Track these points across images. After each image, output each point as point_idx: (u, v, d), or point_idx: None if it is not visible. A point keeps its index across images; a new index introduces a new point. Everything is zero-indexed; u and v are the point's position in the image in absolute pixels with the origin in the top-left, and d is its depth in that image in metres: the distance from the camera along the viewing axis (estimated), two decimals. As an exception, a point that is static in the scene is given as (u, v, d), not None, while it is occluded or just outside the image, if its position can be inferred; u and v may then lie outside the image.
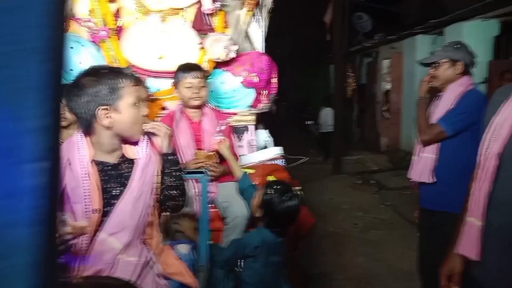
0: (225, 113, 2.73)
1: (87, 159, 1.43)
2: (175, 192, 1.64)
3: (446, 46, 2.44)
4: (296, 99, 15.46)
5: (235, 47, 2.64)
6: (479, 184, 1.37)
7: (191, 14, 2.78)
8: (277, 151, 2.83)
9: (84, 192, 1.39)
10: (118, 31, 2.92)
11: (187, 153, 2.36)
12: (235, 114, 2.81)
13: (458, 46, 2.38)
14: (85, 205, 1.38)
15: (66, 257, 1.35)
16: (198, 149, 2.39)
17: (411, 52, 7.42)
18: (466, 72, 2.33)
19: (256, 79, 2.72)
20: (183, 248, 1.73)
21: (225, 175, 2.44)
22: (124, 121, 1.45)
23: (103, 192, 1.45)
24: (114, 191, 1.47)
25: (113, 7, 2.88)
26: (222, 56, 2.61)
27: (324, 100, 10.01)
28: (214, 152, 2.33)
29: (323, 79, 15.02)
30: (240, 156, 2.80)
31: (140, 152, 1.53)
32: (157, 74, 2.71)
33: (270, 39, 3.03)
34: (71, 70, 2.68)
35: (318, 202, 5.97)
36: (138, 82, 1.50)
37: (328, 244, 4.41)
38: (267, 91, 2.83)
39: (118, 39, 2.83)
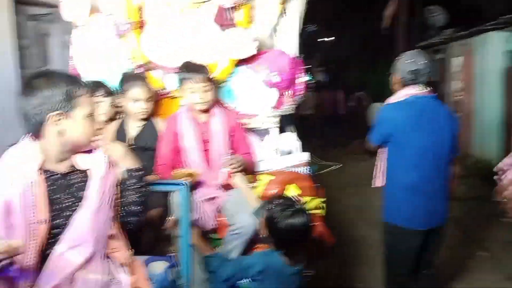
0: (243, 114, 2.54)
1: (34, 166, 1.33)
2: (137, 208, 1.55)
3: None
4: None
5: (255, 44, 2.42)
6: None
7: (214, 7, 2.60)
8: (301, 157, 2.58)
9: (31, 202, 1.29)
10: (141, 25, 2.84)
11: (192, 156, 2.22)
12: (255, 115, 2.60)
13: (398, 58, 2.47)
14: (32, 215, 1.29)
15: (12, 272, 1.24)
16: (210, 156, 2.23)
17: (483, 51, 6.66)
18: (406, 84, 2.36)
19: (277, 79, 2.48)
20: (158, 267, 1.58)
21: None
22: (76, 131, 1.38)
23: (51, 202, 1.35)
24: (64, 202, 1.38)
25: (136, 0, 2.79)
26: (240, 53, 2.41)
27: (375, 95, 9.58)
28: (191, 171, 2.13)
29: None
30: (260, 161, 2.60)
31: (94, 162, 1.45)
32: (176, 71, 2.56)
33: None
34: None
35: (370, 208, 5.57)
36: (94, 93, 1.43)
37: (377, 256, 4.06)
38: (291, 92, 2.58)
39: (140, 33, 2.73)
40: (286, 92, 2.56)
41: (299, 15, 2.84)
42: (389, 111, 2.38)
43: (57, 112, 1.31)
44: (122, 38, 2.70)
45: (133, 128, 2.41)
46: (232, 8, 2.54)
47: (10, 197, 1.27)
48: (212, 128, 2.26)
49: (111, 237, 1.43)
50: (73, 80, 1.38)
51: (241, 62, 2.57)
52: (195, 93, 2.21)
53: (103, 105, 2.40)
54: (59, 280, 1.28)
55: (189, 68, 2.25)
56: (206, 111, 2.28)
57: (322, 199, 2.43)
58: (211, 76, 2.28)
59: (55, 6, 4.77)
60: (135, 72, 2.54)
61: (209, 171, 2.25)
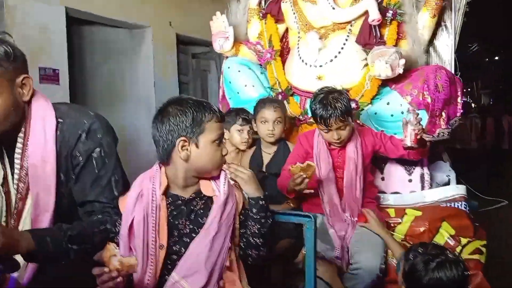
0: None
1: (159, 191, 1.35)
2: (258, 240, 1.43)
3: None
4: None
5: (402, 62, 2.19)
6: None
7: (358, 27, 2.46)
8: (456, 190, 2.21)
9: (152, 226, 1.31)
10: (286, 52, 2.86)
11: (324, 184, 2.04)
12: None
13: None
14: (152, 239, 1.30)
15: None
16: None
17: None
18: None
19: (428, 99, 2.19)
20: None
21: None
22: (202, 157, 1.36)
23: (172, 227, 1.35)
24: (184, 229, 1.36)
25: (280, 28, 2.83)
26: (384, 72, 2.20)
27: None
28: (308, 162, 1.88)
29: None
30: (409, 193, 2.31)
31: (217, 189, 1.40)
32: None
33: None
34: (238, 92, 2.74)
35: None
36: (222, 119, 1.41)
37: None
38: (445, 114, 2.25)
39: (282, 60, 2.74)
40: (440, 114, 2.24)
41: (455, 30, 2.54)
42: None
43: (183, 138, 1.33)
44: (266, 65, 2.76)
45: (266, 155, 2.37)
46: (377, 26, 2.37)
47: (134, 220, 1.31)
48: (346, 155, 2.05)
49: (227, 269, 1.36)
50: (200, 106, 1.36)
51: (389, 81, 2.36)
52: (329, 132, 2.00)
53: (243, 133, 2.42)
54: None
55: (323, 106, 1.95)
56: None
57: (482, 242, 2.02)
58: (348, 109, 1.99)
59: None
60: (270, 97, 2.52)
61: (342, 202, 2.05)
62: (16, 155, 1.44)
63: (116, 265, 1.10)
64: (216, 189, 1.39)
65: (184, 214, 1.37)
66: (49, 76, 3.79)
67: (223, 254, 1.35)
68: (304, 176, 1.84)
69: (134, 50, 4.90)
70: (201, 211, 1.38)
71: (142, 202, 1.33)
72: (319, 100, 2.00)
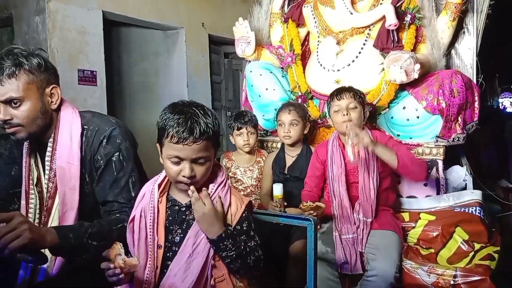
0: (405, 144, 2.31)
1: (156, 193, 1.38)
2: (240, 271, 1.35)
3: None
4: None
5: (417, 67, 2.20)
6: None
7: (376, 32, 2.49)
8: (471, 195, 2.21)
9: (150, 225, 1.35)
10: (307, 55, 2.91)
11: (335, 186, 2.08)
12: (419, 145, 2.35)
13: None
14: (150, 238, 1.34)
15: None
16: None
17: None
18: None
19: (443, 104, 2.19)
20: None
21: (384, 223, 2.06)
22: (164, 167, 1.35)
23: (168, 231, 1.36)
24: (175, 236, 1.35)
25: (302, 32, 2.90)
26: (399, 77, 2.22)
27: None
28: (317, 204, 1.95)
29: None
30: (425, 197, 2.33)
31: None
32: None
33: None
34: (259, 96, 2.83)
35: None
36: (183, 141, 1.25)
37: None
38: (461, 119, 2.25)
39: (303, 64, 2.80)
40: (456, 119, 2.24)
41: (478, 33, 2.51)
42: None
43: (157, 143, 1.35)
44: (287, 69, 2.83)
45: (289, 157, 2.44)
46: (395, 30, 2.39)
47: (135, 216, 1.37)
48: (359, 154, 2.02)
49: (215, 285, 1.33)
50: (171, 120, 1.28)
51: (407, 86, 2.37)
52: (339, 113, 2.09)
53: (243, 136, 2.51)
54: None
55: (338, 90, 2.14)
56: None
57: (496, 248, 2.02)
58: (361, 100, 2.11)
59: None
60: (289, 101, 2.60)
61: (355, 205, 2.07)
62: (46, 158, 1.61)
63: (120, 263, 1.20)
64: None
65: (177, 221, 1.36)
66: (87, 78, 4.03)
67: (205, 273, 1.31)
68: (314, 214, 1.93)
69: (168, 51, 5.08)
70: (193, 221, 1.33)
71: (142, 202, 1.39)
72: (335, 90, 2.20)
